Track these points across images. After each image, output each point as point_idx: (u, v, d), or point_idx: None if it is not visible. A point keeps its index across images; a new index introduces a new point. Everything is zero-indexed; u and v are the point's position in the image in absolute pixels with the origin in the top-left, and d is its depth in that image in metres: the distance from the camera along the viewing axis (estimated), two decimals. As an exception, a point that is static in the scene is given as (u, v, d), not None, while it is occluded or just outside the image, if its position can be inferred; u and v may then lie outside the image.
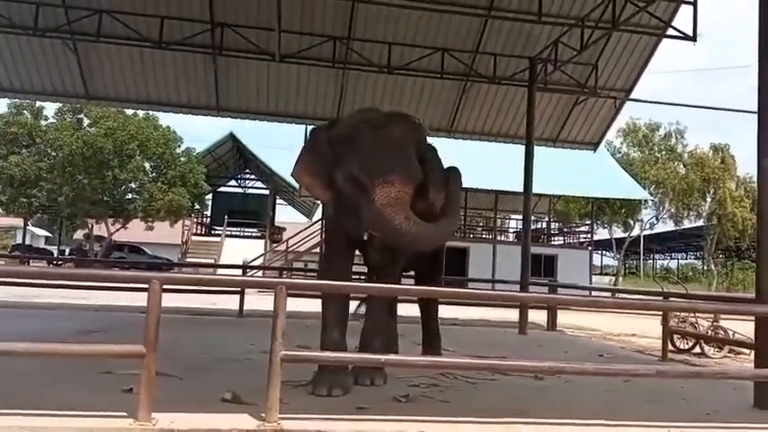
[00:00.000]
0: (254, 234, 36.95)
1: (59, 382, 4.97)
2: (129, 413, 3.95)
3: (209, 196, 37.67)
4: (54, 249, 37.60)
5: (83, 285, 10.82)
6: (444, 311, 8.30)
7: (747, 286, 38.29)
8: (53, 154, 26.65)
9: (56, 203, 27.85)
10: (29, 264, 23.03)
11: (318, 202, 33.88)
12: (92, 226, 31.43)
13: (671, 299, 9.54)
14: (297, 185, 29.67)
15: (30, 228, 38.84)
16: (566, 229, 35.75)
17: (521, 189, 12.77)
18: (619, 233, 43.10)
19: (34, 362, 5.35)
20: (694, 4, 10.64)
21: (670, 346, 9.76)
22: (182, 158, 29.35)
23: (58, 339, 4.59)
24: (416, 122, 6.01)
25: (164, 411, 3.99)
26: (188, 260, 30.00)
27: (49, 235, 48.72)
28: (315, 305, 6.57)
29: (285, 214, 43.74)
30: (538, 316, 12.57)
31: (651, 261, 61.15)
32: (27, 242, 36.24)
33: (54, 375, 5.12)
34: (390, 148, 5.14)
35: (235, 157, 39.33)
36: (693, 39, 10.70)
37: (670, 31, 11.53)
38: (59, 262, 28.19)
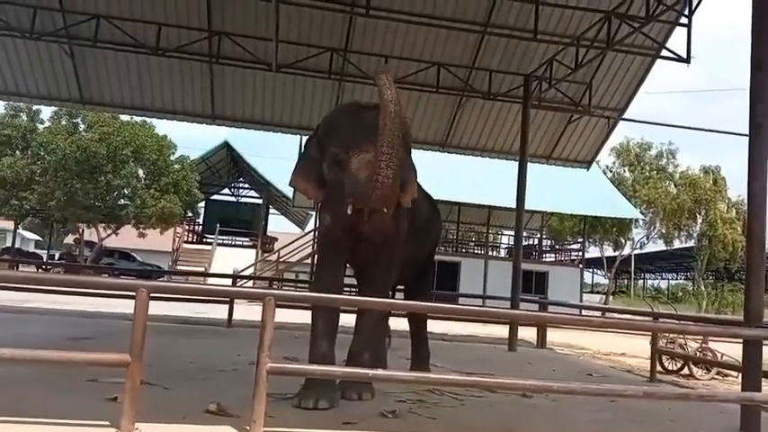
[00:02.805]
0: (245, 243, 36.84)
1: (43, 389, 4.93)
2: (111, 422, 3.92)
3: (202, 204, 37.57)
4: (44, 254, 37.37)
5: (71, 291, 10.73)
6: (434, 326, 8.29)
7: (737, 308, 38.39)
8: (46, 157, 26.55)
9: (47, 207, 27.72)
10: (18, 268, 22.94)
11: (312, 212, 33.56)
12: (83, 231, 31.27)
13: (660, 320, 9.54)
14: (290, 195, 29.76)
15: (20, 231, 38.60)
16: (557, 247, 35.80)
17: (513, 205, 12.79)
18: (610, 252, 43.23)
19: (19, 368, 5.29)
20: (688, 27, 10.75)
21: (659, 367, 9.78)
22: (175, 166, 29.29)
23: (45, 345, 4.54)
24: None
25: (147, 422, 3.95)
26: (178, 268, 29.81)
27: (40, 239, 48.51)
28: (304, 316, 6.55)
29: (277, 224, 43.67)
30: (528, 333, 12.57)
31: (642, 281, 61.26)
32: (17, 246, 36.00)
33: (39, 382, 5.07)
34: (367, 126, 5.04)
35: (229, 165, 39.28)
36: (687, 61, 10.79)
37: (664, 53, 11.64)
38: (48, 267, 28.05)
